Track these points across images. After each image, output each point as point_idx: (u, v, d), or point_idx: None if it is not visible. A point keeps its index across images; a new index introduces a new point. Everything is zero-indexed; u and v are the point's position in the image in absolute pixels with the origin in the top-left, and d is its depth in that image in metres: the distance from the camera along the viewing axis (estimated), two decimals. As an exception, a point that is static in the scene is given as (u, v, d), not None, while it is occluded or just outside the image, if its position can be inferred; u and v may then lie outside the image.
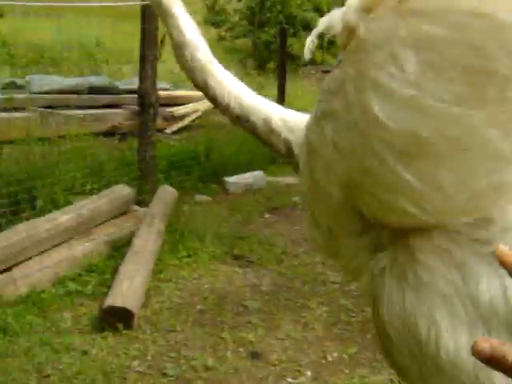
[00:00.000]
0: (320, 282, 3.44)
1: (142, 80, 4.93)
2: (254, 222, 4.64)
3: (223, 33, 27.22)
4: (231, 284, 3.36)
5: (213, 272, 3.52)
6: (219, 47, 26.90)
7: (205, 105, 9.24)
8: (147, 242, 3.54)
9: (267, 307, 3.07)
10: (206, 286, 3.31)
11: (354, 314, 3.03)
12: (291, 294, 3.24)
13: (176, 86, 11.47)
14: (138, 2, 5.29)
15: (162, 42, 4.97)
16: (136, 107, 5.92)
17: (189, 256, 3.71)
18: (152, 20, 4.86)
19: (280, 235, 4.28)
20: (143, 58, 4.88)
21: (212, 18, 27.11)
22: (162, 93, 9.83)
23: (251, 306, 3.06)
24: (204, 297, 3.18)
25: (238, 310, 3.03)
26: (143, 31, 4.83)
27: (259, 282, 3.39)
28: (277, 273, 3.54)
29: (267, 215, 4.94)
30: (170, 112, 9.05)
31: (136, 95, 5.44)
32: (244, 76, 15.86)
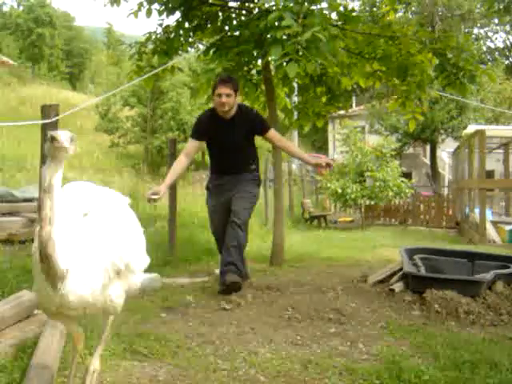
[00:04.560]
0: (211, 370, 3.88)
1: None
2: (150, 321, 5.03)
3: (116, 139, 27.97)
4: (131, 376, 3.72)
5: (114, 367, 3.87)
6: (112, 153, 27.57)
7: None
8: (52, 343, 3.86)
9: (164, 394, 3.47)
10: (108, 379, 3.65)
11: (240, 397, 3.49)
12: (185, 382, 3.65)
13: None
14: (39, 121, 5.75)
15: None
16: (34, 215, 6.22)
17: (91, 354, 4.03)
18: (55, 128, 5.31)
19: (175, 331, 4.70)
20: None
21: (105, 125, 27.87)
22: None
23: (150, 394, 3.45)
24: (107, 389, 3.52)
25: (139, 398, 3.41)
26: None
27: (156, 373, 3.78)
28: (172, 365, 3.95)
29: (163, 314, 5.35)
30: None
31: (33, 203, 5.78)
32: (138, 181, 16.36)
